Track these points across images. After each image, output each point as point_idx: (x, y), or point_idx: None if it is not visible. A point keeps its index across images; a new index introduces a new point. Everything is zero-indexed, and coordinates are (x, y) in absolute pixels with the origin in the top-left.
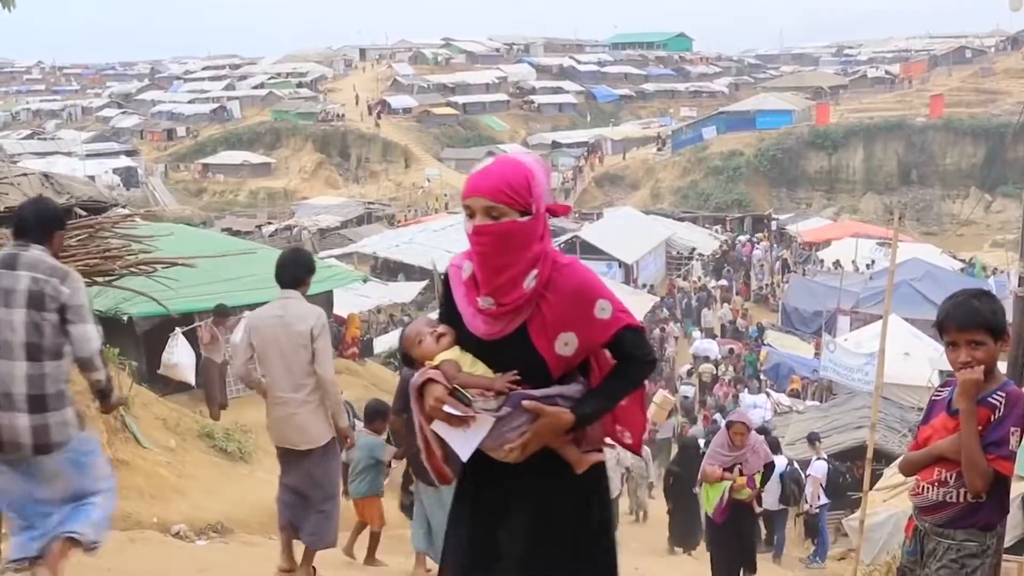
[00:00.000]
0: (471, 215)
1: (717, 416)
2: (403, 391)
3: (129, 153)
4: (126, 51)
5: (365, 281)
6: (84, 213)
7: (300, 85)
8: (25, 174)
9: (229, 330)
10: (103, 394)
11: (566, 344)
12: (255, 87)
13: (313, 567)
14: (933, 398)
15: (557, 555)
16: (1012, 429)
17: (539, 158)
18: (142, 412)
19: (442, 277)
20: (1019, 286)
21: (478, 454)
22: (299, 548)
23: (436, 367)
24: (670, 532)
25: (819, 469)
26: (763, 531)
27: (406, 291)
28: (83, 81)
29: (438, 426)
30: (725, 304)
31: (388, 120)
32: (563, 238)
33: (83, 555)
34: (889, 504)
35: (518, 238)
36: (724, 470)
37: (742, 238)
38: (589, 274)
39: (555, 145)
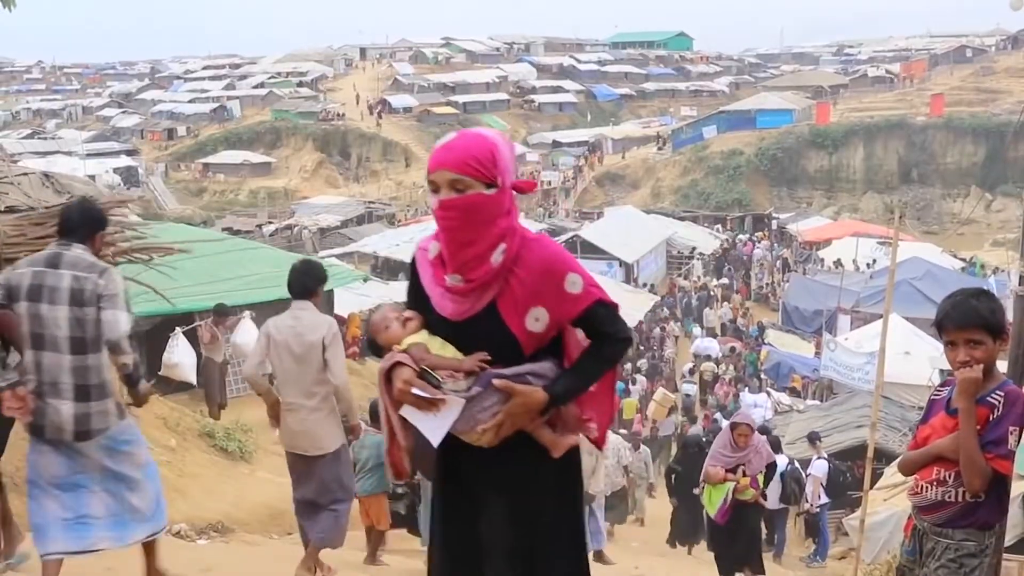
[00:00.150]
0: (436, 190)
1: (718, 415)
2: None
3: (129, 152)
4: (126, 51)
5: (365, 280)
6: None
7: (300, 84)
8: (25, 173)
9: (229, 329)
10: (131, 380)
11: (537, 320)
12: (255, 86)
13: (329, 566)
14: (932, 397)
15: (539, 542)
16: (1011, 428)
17: (503, 133)
18: (142, 411)
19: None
20: (1020, 285)
21: (452, 442)
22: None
23: (404, 351)
24: (672, 529)
25: (820, 468)
26: (764, 530)
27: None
28: (83, 80)
29: (407, 411)
30: (725, 303)
31: (389, 119)
32: (564, 237)
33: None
34: (890, 503)
35: (485, 211)
36: (727, 471)
37: (742, 237)
38: (559, 248)
39: (555, 144)
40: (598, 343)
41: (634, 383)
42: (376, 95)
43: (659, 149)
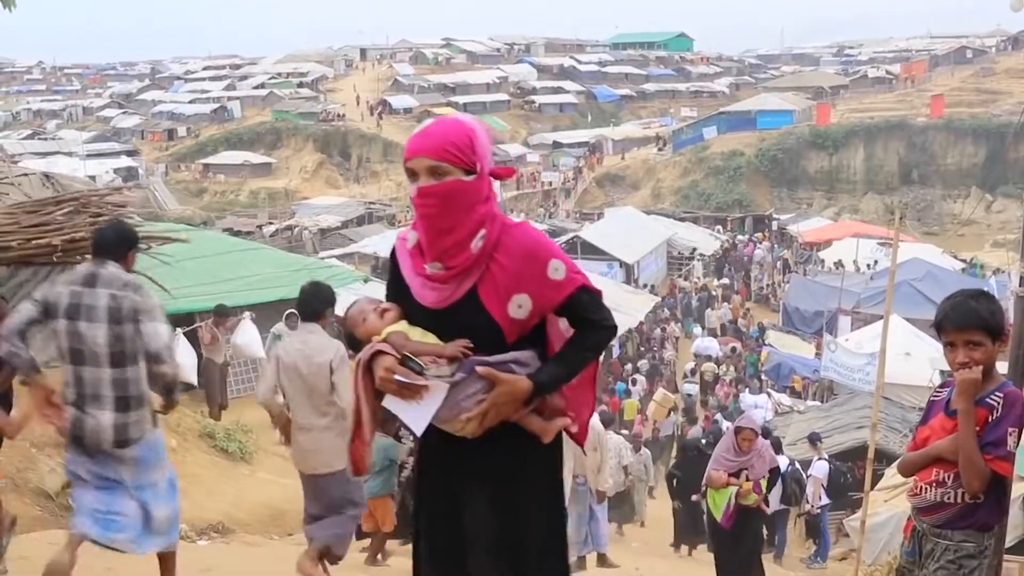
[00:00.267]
0: (414, 177)
1: (718, 416)
2: None
3: (130, 153)
4: (127, 51)
5: (366, 281)
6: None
7: (301, 85)
8: (26, 174)
9: (229, 330)
10: (169, 389)
11: (519, 307)
12: (256, 87)
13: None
14: (932, 398)
15: (522, 535)
16: (1010, 429)
17: (480, 120)
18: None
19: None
20: (1020, 286)
21: (434, 434)
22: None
23: (383, 340)
24: (675, 533)
25: (820, 469)
26: (764, 533)
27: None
28: (84, 81)
29: (389, 401)
30: (725, 303)
31: (389, 120)
32: (564, 238)
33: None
34: (890, 504)
35: (464, 197)
36: (730, 475)
37: (741, 238)
38: (540, 235)
39: (556, 145)
40: (582, 331)
41: (634, 383)
42: (376, 96)
43: (659, 150)
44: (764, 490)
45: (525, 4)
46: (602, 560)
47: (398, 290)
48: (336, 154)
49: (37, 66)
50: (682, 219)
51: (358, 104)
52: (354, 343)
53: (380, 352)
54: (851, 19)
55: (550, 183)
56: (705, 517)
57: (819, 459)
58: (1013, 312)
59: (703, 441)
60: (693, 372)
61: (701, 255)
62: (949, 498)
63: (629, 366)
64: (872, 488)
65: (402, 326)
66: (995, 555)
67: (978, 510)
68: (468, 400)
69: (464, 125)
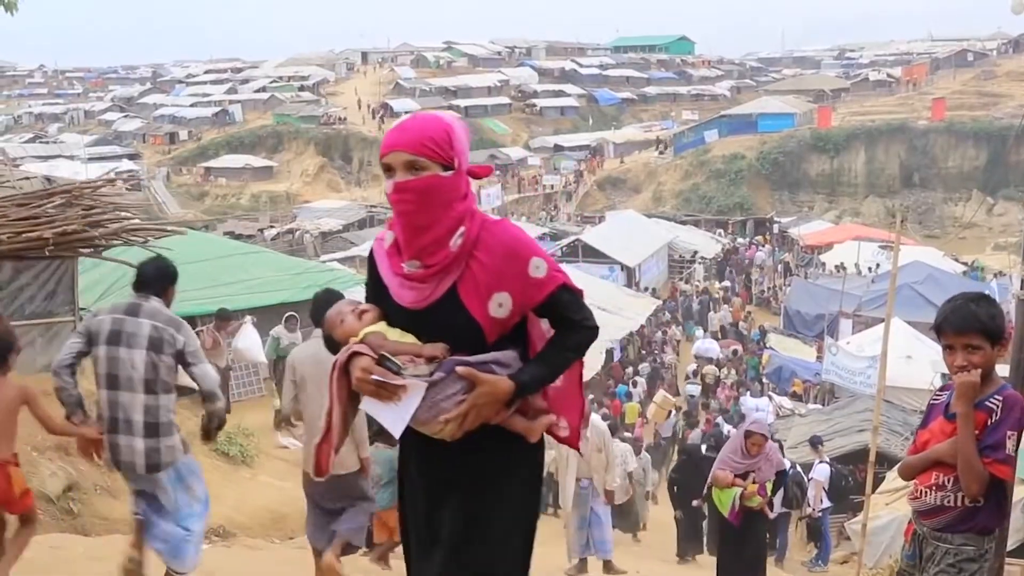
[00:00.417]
0: (390, 173)
1: (720, 420)
2: None
3: (131, 156)
4: (128, 55)
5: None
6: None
7: (302, 88)
8: (27, 177)
9: (231, 334)
10: (219, 425)
11: (500, 305)
12: (257, 90)
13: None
14: (932, 402)
15: (493, 535)
16: (1008, 433)
17: (458, 116)
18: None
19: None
20: (1021, 289)
21: (411, 438)
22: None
23: (360, 341)
24: (678, 541)
25: (821, 472)
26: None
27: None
28: (85, 84)
29: (367, 404)
30: (725, 305)
31: (390, 123)
32: (565, 241)
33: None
34: (892, 508)
35: (441, 193)
36: (736, 476)
37: (742, 241)
38: (521, 232)
39: (557, 148)
40: (564, 331)
41: (635, 386)
42: (378, 99)
43: (660, 153)
44: (769, 492)
45: (526, 7)
46: (607, 567)
47: (377, 291)
48: (337, 157)
49: (39, 70)
50: (683, 222)
51: (359, 107)
52: (333, 345)
53: (357, 353)
54: (852, 22)
55: (551, 186)
56: (707, 521)
57: (820, 462)
58: (1014, 315)
59: (704, 447)
60: (695, 374)
61: (702, 258)
62: (949, 502)
63: (630, 369)
64: (873, 491)
65: (380, 327)
66: (996, 558)
67: (978, 514)
68: (447, 401)
69: (442, 120)
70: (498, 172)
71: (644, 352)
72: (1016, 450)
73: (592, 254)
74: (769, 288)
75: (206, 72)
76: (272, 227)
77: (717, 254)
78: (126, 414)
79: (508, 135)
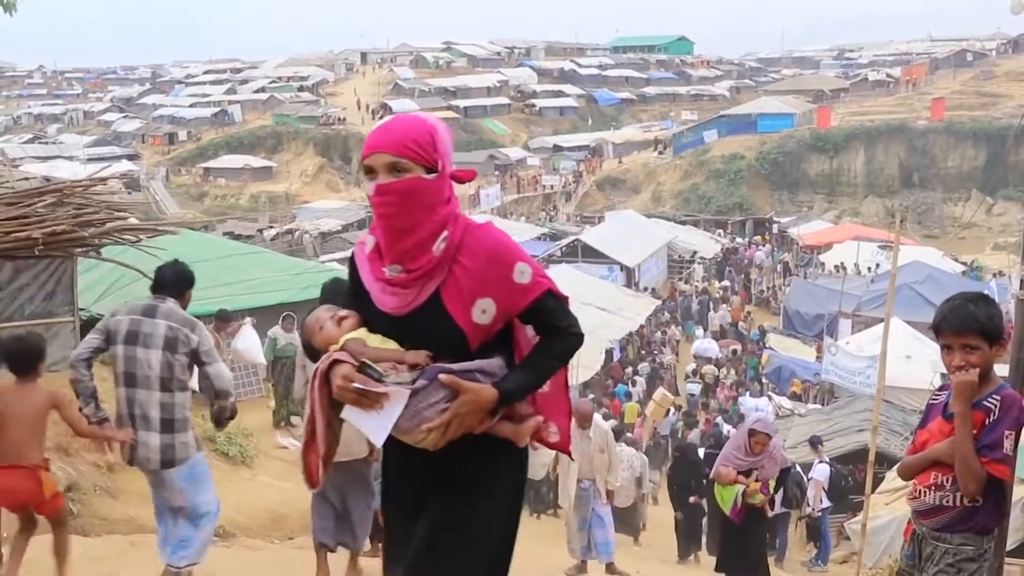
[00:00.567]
0: (372, 175)
1: (719, 420)
2: None
3: (131, 157)
4: (128, 55)
5: None
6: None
7: (301, 89)
8: (27, 178)
9: (231, 335)
10: (230, 418)
11: (483, 311)
12: (256, 91)
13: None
14: (930, 402)
15: (469, 537)
16: (1006, 432)
17: (441, 119)
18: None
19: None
20: (1020, 289)
21: (393, 446)
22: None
23: (341, 348)
24: (678, 541)
25: (821, 472)
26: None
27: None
28: (85, 85)
29: (348, 412)
30: (724, 304)
31: None
32: (565, 242)
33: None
34: (891, 507)
35: (424, 196)
36: (739, 473)
37: (741, 240)
38: (506, 236)
39: (556, 148)
40: (549, 338)
41: (634, 384)
42: (377, 99)
43: (659, 154)
44: (771, 491)
45: (525, 8)
46: (610, 569)
47: (358, 297)
48: (337, 158)
49: (38, 70)
50: (683, 222)
51: (359, 108)
52: (312, 353)
53: (338, 361)
54: (851, 22)
55: (550, 186)
56: (706, 518)
57: (820, 462)
58: (1014, 315)
59: (702, 450)
60: (695, 373)
61: (702, 258)
62: (948, 501)
63: (629, 369)
64: (873, 491)
65: (361, 333)
66: (996, 558)
67: (977, 513)
68: (430, 409)
69: (425, 122)
70: (497, 172)
71: (643, 352)
72: (1014, 450)
73: (591, 254)
74: (769, 288)
75: (205, 72)
76: (271, 227)
77: (716, 254)
78: (143, 410)
79: (507, 135)
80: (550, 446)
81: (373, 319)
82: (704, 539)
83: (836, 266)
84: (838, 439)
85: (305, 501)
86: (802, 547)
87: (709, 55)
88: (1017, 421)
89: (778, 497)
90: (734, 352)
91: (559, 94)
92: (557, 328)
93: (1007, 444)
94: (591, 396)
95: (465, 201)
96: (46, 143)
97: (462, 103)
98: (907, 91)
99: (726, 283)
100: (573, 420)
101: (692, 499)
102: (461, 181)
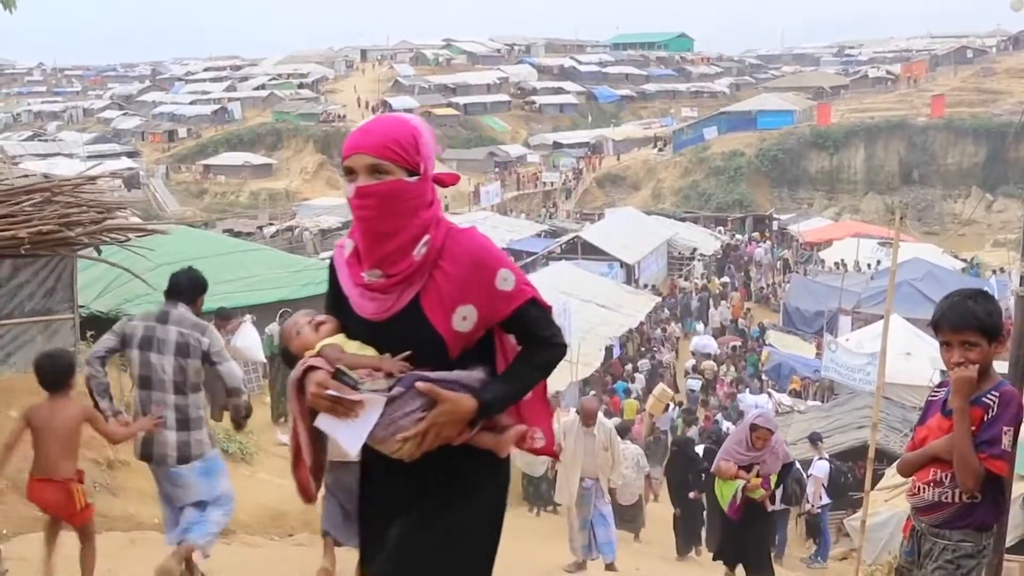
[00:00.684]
0: (352, 177)
1: (719, 417)
2: None
3: (130, 154)
4: (127, 52)
5: None
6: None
7: (301, 86)
8: (26, 175)
9: (231, 332)
10: (246, 415)
11: (464, 319)
12: (256, 88)
13: None
14: (930, 398)
15: (446, 552)
16: (1005, 428)
17: (424, 120)
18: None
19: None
20: (1020, 285)
21: (368, 456)
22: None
23: (317, 354)
24: (676, 538)
25: (821, 469)
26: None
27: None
28: (84, 82)
29: (322, 421)
30: (723, 301)
31: None
32: (565, 239)
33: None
34: (891, 504)
35: (406, 200)
36: (740, 468)
37: (740, 237)
38: (489, 242)
39: (556, 146)
40: (531, 348)
41: (633, 381)
42: (377, 97)
43: (659, 151)
44: (772, 486)
45: (525, 5)
46: (610, 568)
47: (337, 302)
48: (336, 155)
49: (38, 68)
50: (682, 219)
51: (359, 105)
52: (289, 359)
53: (313, 367)
54: (851, 19)
55: (551, 183)
56: (706, 514)
57: (820, 459)
58: (1013, 312)
59: (701, 445)
60: (694, 369)
61: (702, 255)
62: (947, 498)
63: (629, 366)
64: (872, 488)
65: (338, 339)
66: (995, 554)
67: (976, 510)
68: (406, 419)
69: (408, 123)
70: (497, 169)
71: (643, 349)
72: (1013, 446)
73: (591, 251)
74: (768, 285)
75: (205, 70)
76: (271, 224)
77: (716, 251)
78: (160, 412)
79: (507, 132)
80: (536, 452)
81: (352, 325)
82: (704, 535)
83: (836, 263)
84: (838, 436)
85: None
86: (801, 544)
87: (709, 52)
88: (1016, 417)
89: (778, 493)
90: (734, 348)
91: (559, 91)
92: (540, 338)
93: (1005, 440)
94: (592, 393)
95: (465, 198)
96: (46, 140)
97: (462, 100)
98: (907, 88)
99: (726, 279)
100: (578, 418)
101: (692, 494)
102: (444, 184)
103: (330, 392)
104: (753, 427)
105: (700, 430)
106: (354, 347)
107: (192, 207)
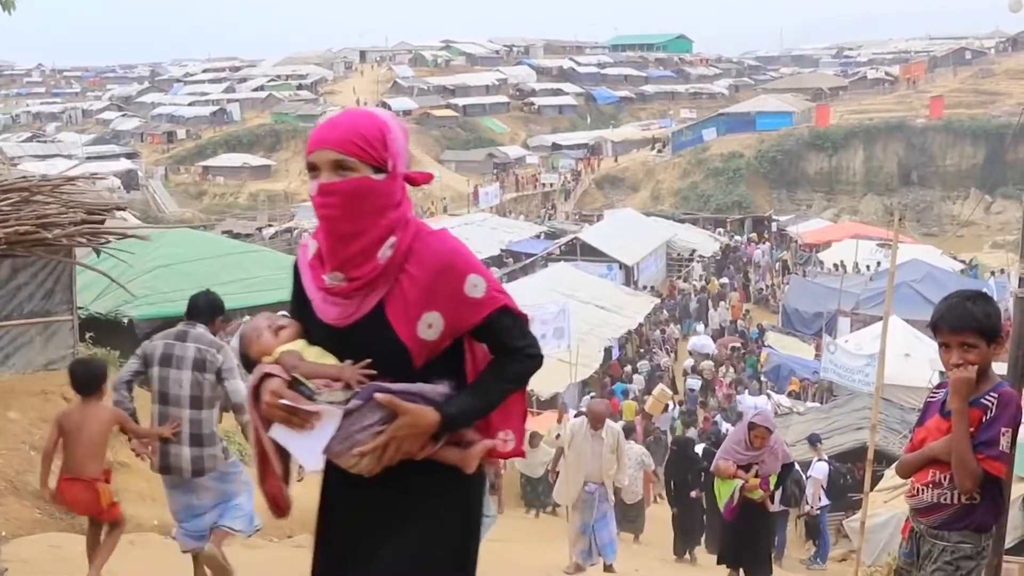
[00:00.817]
0: (315, 173)
1: (718, 418)
2: None
3: (129, 156)
4: (126, 54)
5: None
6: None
7: (300, 87)
8: (25, 177)
9: (230, 334)
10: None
11: (430, 326)
12: (255, 89)
13: None
14: (928, 399)
15: (402, 566)
16: (1003, 430)
17: (396, 115)
18: (143, 414)
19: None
20: (1019, 287)
21: (333, 469)
22: None
23: (274, 361)
24: (674, 539)
25: (820, 470)
26: None
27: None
28: (83, 84)
29: (277, 431)
30: (722, 302)
31: None
32: (563, 240)
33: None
34: (890, 505)
35: (371, 199)
36: (739, 468)
37: (739, 238)
38: (460, 245)
39: (555, 147)
40: (502, 359)
41: (630, 382)
42: (376, 98)
43: (658, 152)
44: (772, 486)
45: (525, 6)
46: (609, 570)
47: (300, 306)
48: None
49: (36, 69)
50: (681, 221)
51: (357, 106)
52: (249, 364)
53: (269, 375)
54: (850, 21)
55: (549, 185)
56: (707, 516)
57: (819, 460)
58: (1012, 313)
59: (700, 445)
60: (693, 369)
61: (700, 256)
62: (945, 499)
63: (628, 368)
64: (872, 489)
65: (297, 345)
66: (994, 556)
67: (975, 511)
68: (364, 432)
69: (375, 117)
70: (496, 171)
71: (642, 350)
72: (1011, 447)
73: (590, 252)
74: (767, 286)
75: (204, 71)
76: (270, 226)
77: (715, 252)
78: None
79: (506, 134)
80: (505, 455)
81: (314, 330)
82: (704, 536)
83: (835, 264)
84: (837, 437)
85: (304, 499)
86: (801, 545)
87: (708, 53)
88: (1014, 419)
89: (778, 494)
90: (733, 349)
91: (558, 92)
92: (512, 349)
93: (1004, 441)
94: (592, 394)
95: (464, 200)
96: (44, 142)
97: (461, 101)
98: (906, 89)
99: (725, 280)
100: (585, 420)
101: (693, 493)
102: (415, 183)
103: (284, 401)
104: (751, 426)
105: (699, 431)
106: (314, 354)
107: (191, 208)
